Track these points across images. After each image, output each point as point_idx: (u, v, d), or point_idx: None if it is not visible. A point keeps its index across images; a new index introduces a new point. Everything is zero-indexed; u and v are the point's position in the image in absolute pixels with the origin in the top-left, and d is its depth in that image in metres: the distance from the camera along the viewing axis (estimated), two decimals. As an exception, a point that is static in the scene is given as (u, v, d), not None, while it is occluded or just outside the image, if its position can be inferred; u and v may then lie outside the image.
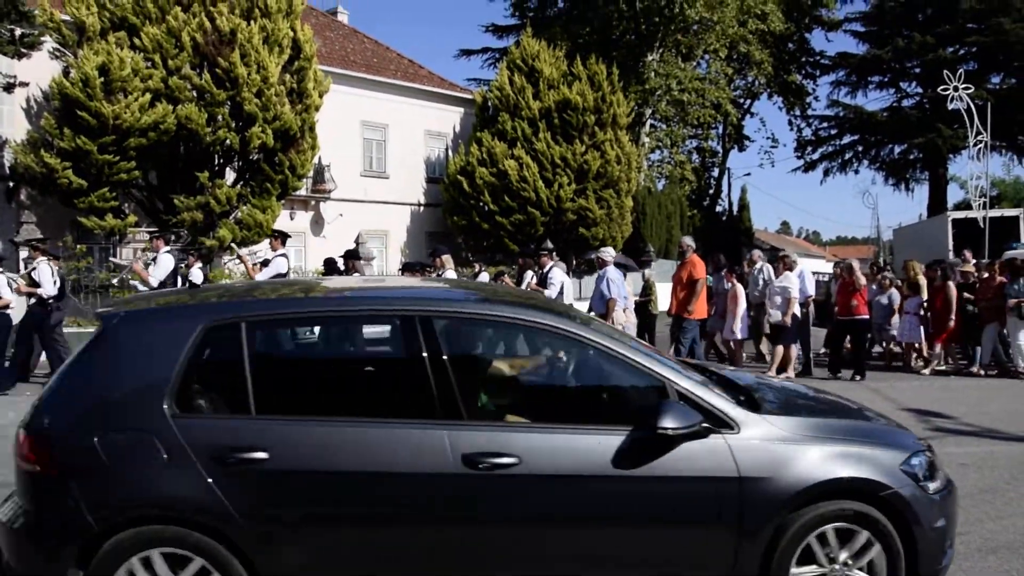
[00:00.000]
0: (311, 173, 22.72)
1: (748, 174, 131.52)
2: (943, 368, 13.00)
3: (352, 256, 12.80)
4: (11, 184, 18.74)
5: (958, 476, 5.90)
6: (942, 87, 26.29)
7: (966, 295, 12.86)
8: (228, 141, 18.83)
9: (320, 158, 23.10)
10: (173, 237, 16.00)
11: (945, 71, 26.63)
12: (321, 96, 20.57)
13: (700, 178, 39.19)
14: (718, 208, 42.15)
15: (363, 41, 29.95)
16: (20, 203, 18.93)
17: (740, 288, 12.78)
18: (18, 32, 17.12)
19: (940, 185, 41.16)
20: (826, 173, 44.61)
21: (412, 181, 28.13)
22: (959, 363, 13.32)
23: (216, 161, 19.65)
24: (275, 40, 19.27)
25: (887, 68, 40.37)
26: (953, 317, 12.37)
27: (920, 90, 40.71)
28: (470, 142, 26.18)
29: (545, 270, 11.59)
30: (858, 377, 11.97)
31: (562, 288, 11.42)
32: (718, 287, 13.30)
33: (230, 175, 20.18)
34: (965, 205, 34.28)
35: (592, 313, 10.85)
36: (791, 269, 12.25)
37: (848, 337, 12.69)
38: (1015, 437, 7.51)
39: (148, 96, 17.56)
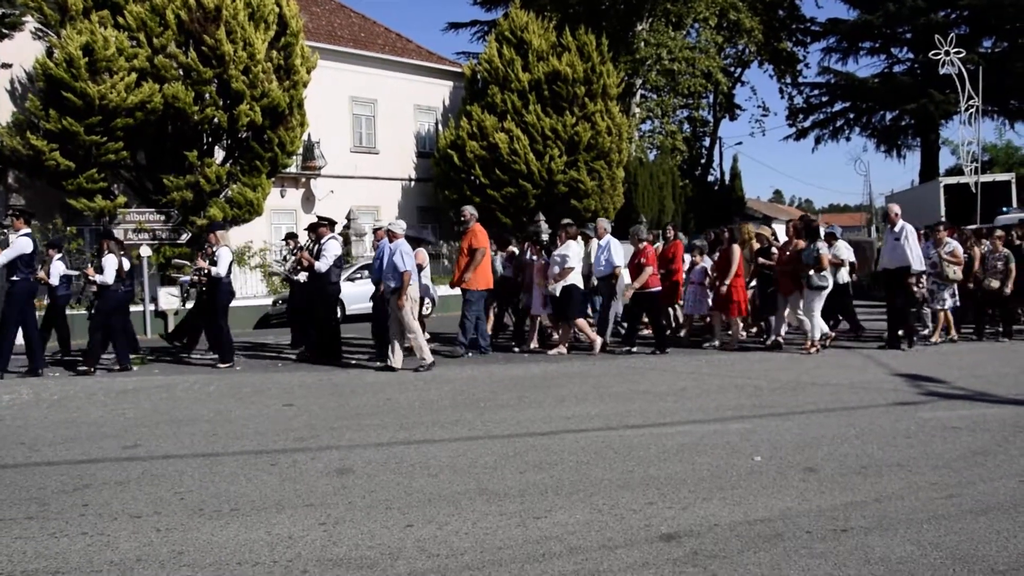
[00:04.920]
0: (301, 150, 22.61)
1: (740, 143, 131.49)
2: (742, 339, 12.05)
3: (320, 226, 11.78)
4: (-2, 167, 18.60)
5: (949, 439, 5.96)
6: (933, 52, 26.17)
7: (762, 260, 11.77)
8: (216, 119, 18.69)
9: (309, 135, 22.99)
10: None
11: (936, 36, 26.49)
12: (309, 72, 20.42)
13: (691, 148, 39.06)
14: (710, 178, 42.04)
15: (350, 15, 29.64)
16: (8, 186, 18.79)
17: (540, 260, 11.79)
18: (-1, 12, 16.92)
19: (932, 151, 41.09)
20: (818, 141, 44.51)
21: (402, 156, 27.99)
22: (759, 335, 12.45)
23: (205, 140, 19.52)
24: (260, 16, 19.09)
25: (878, 33, 40.14)
26: (729, 282, 11.28)
27: (911, 55, 40.55)
28: (460, 116, 26.03)
29: (322, 241, 11.27)
30: (658, 352, 11.17)
31: (341, 260, 11.37)
32: (523, 259, 12.44)
33: (219, 154, 20.06)
34: (957, 171, 34.20)
35: (382, 288, 10.52)
36: (574, 238, 11.53)
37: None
38: (1007, 400, 7.55)
39: (134, 75, 17.40)
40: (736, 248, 11.52)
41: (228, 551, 4.00)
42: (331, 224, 11.60)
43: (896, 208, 11.71)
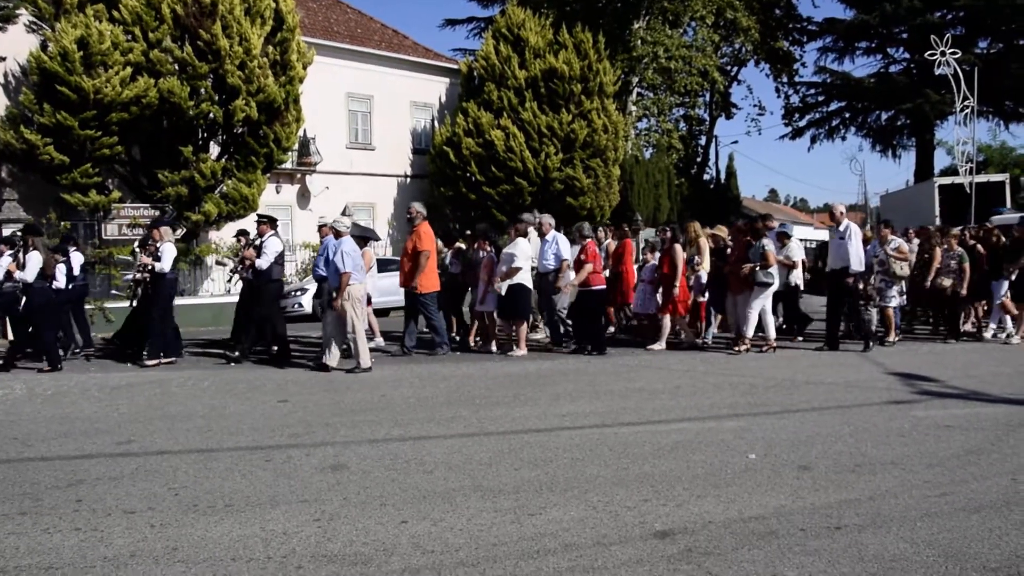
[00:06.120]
0: (296, 146, 22.53)
1: (735, 142, 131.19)
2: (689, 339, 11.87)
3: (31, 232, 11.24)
4: (-9, 161, 18.52)
5: (943, 438, 5.98)
6: (929, 52, 26.25)
7: (713, 259, 11.71)
8: (212, 114, 18.62)
9: (305, 131, 22.92)
10: None
11: (932, 36, 26.58)
12: (305, 68, 20.35)
13: (687, 146, 39.05)
14: (706, 176, 42.09)
15: (346, 11, 29.57)
16: (2, 180, 18.71)
17: (492, 257, 11.66)
18: (-7, 5, 16.84)
19: (927, 151, 41.20)
20: (813, 140, 44.67)
21: (398, 153, 27.93)
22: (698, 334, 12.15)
23: (200, 135, 19.45)
24: (257, 11, 19.01)
25: (874, 33, 40.23)
26: (678, 283, 11.17)
27: (907, 55, 40.64)
28: (456, 112, 25.99)
29: (263, 238, 11.05)
30: (595, 352, 11.02)
31: (282, 257, 11.14)
32: (472, 257, 12.24)
33: (214, 149, 19.99)
34: (952, 171, 34.30)
35: (326, 286, 10.31)
36: (523, 235, 11.43)
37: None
38: (1000, 399, 7.58)
39: (129, 70, 17.32)
40: (678, 248, 11.38)
41: (222, 547, 4.00)
42: (271, 221, 11.39)
43: (841, 207, 11.59)
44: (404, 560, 3.80)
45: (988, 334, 11.99)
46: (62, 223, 16.89)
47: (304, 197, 25.51)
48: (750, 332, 11.04)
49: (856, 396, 7.83)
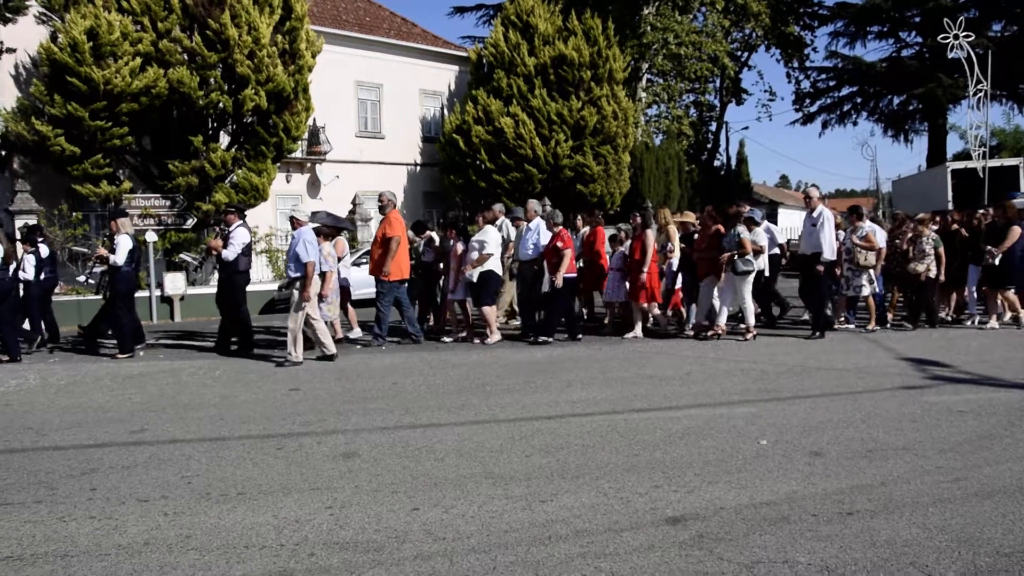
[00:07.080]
0: (306, 135, 22.53)
1: (746, 128, 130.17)
2: (660, 328, 11.69)
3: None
4: (3, 153, 18.59)
5: (955, 423, 5.95)
6: (942, 36, 26.02)
7: (682, 246, 11.58)
8: (221, 104, 18.64)
9: (315, 120, 22.93)
10: None
11: (945, 19, 26.34)
12: (314, 56, 20.33)
13: (698, 133, 38.89)
14: (716, 162, 41.92)
15: (355, -1, 29.53)
16: (13, 172, 18.80)
17: (460, 246, 11.53)
18: (2, -3, 16.89)
19: (939, 136, 40.91)
20: (825, 125, 44.43)
21: (408, 141, 27.93)
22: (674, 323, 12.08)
23: (210, 125, 19.48)
24: (265, 0, 18.99)
25: (886, 17, 39.90)
26: (646, 270, 11.02)
27: (920, 39, 40.29)
28: (465, 100, 25.96)
29: (230, 228, 10.74)
30: (570, 338, 11.14)
31: (249, 248, 10.88)
32: (445, 246, 12.10)
33: (224, 139, 20.02)
34: (965, 155, 34.10)
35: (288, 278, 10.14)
36: (492, 223, 11.44)
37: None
38: (1013, 384, 7.53)
39: (138, 60, 17.35)
40: (650, 234, 11.23)
41: (235, 535, 4.02)
42: (239, 211, 11.21)
43: (816, 192, 11.30)
44: (416, 547, 3.82)
45: (992, 324, 11.81)
46: (74, 214, 16.99)
47: (314, 186, 25.56)
48: (751, 320, 10.94)
49: (867, 382, 7.80)
